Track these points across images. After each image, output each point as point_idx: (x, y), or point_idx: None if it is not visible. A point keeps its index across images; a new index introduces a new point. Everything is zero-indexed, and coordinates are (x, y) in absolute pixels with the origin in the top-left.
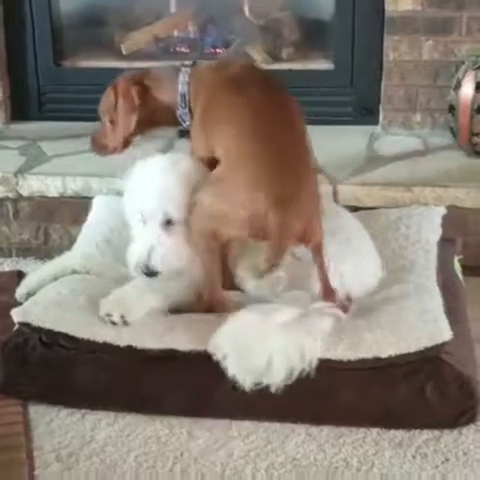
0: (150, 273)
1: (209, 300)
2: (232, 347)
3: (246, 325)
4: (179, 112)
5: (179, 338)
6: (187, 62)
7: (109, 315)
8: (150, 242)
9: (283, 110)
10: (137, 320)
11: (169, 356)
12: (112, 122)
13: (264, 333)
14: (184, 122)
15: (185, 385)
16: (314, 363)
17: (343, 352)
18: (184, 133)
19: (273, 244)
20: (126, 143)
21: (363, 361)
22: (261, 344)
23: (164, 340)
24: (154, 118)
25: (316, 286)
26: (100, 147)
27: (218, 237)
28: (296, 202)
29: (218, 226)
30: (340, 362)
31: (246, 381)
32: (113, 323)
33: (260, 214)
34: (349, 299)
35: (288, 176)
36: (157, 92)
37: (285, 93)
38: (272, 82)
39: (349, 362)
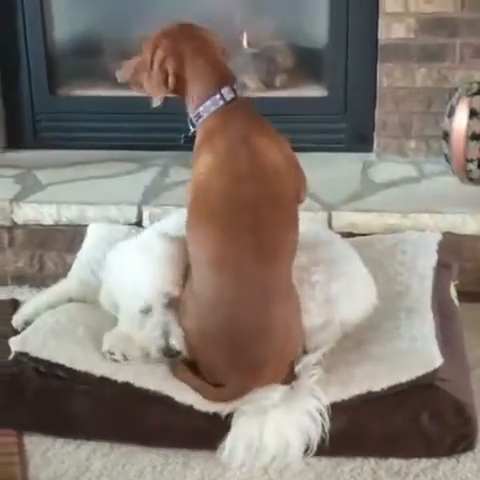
0: (173, 354)
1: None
2: (242, 445)
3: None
4: (190, 116)
5: (178, 387)
6: (227, 94)
7: (111, 353)
8: (160, 326)
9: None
10: (139, 357)
11: (166, 400)
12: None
13: (267, 417)
14: (192, 126)
15: (181, 424)
16: (327, 425)
17: (336, 394)
18: (189, 139)
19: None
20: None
21: (357, 397)
22: (268, 428)
23: (163, 385)
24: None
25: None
26: (135, 82)
27: None
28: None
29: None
30: (334, 404)
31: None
32: (115, 361)
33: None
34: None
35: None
36: (188, 80)
37: (276, 171)
38: (265, 156)
39: (343, 401)
